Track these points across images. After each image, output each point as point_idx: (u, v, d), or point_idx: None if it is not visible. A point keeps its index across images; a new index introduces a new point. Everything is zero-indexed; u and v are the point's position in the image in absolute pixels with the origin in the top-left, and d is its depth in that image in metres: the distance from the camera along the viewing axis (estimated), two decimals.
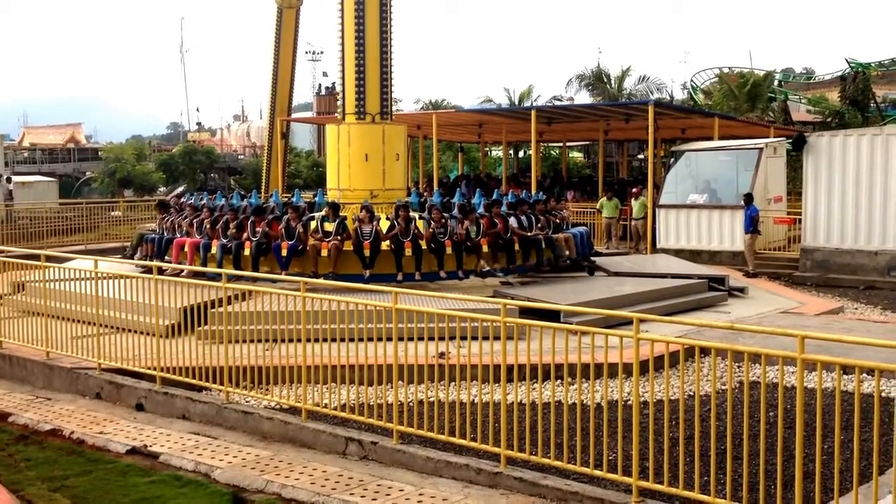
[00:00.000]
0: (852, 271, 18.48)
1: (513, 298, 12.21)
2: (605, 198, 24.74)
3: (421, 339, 7.58)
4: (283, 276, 13.12)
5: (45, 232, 25.57)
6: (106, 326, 10.54)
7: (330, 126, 17.09)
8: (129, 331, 10.57)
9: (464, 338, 7.48)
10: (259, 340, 9.50)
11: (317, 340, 8.48)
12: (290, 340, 8.69)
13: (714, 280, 15.55)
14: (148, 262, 14.73)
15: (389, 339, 7.65)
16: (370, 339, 7.94)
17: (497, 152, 45.10)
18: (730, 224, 20.67)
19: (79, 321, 11.02)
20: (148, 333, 10.32)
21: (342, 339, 8.42)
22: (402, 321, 7.65)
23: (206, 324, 10.28)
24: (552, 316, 10.63)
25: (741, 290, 15.86)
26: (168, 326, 9.84)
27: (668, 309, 13.04)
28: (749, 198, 19.46)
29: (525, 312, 10.49)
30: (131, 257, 16.93)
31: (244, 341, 9.22)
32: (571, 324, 8.24)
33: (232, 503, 6.86)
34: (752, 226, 19.12)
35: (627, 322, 6.52)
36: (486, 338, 7.18)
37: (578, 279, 15.59)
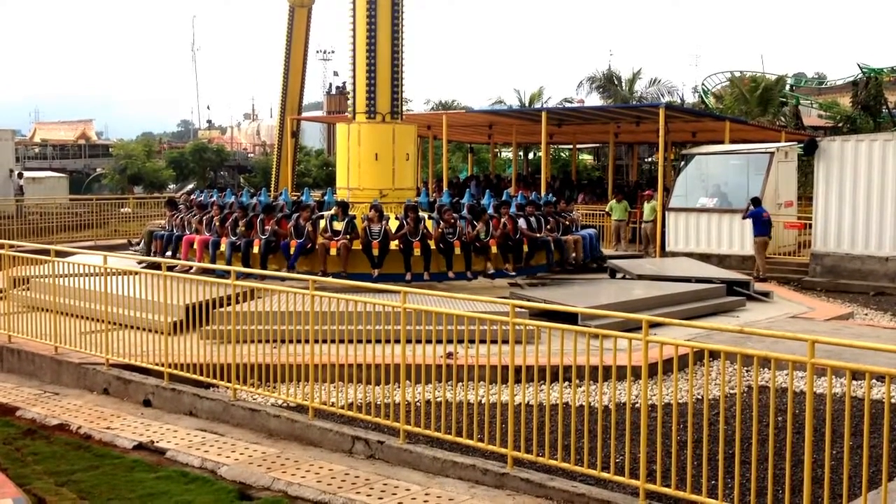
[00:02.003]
0: (862, 277, 18.41)
1: (529, 300, 12.16)
2: (614, 200, 24.71)
3: (429, 341, 7.57)
4: (291, 275, 13.13)
5: (54, 227, 25.67)
6: (110, 322, 10.54)
7: (340, 125, 17.10)
8: (132, 327, 10.56)
9: (471, 341, 7.46)
10: (266, 340, 9.49)
11: (325, 341, 8.48)
12: (298, 341, 8.69)
13: (738, 284, 15.34)
14: (154, 259, 14.78)
15: (397, 341, 7.64)
16: (378, 341, 7.94)
17: (507, 153, 45.07)
18: (739, 228, 20.62)
19: (82, 316, 11.03)
20: (151, 330, 10.32)
21: (350, 341, 8.42)
22: (410, 322, 7.64)
23: (210, 322, 10.26)
24: (567, 318, 10.58)
25: (766, 294, 15.59)
26: (171, 324, 9.81)
27: (686, 313, 12.88)
28: (755, 201, 19.40)
29: (536, 314, 10.47)
30: (147, 255, 16.95)
31: (251, 341, 9.21)
32: (589, 327, 8.21)
33: (238, 500, 6.86)
34: (759, 228, 19.04)
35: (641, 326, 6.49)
36: (493, 341, 7.16)
37: (589, 281, 15.54)
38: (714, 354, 9.00)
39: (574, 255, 16.15)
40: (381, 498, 6.67)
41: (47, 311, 11.16)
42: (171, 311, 9.81)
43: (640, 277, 15.61)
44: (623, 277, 15.93)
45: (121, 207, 31.28)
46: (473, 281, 14.60)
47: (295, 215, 14.75)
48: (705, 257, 20.30)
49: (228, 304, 9.85)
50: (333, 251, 14.08)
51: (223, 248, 14.76)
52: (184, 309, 9.98)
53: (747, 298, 14.92)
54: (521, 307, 7.70)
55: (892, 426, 5.40)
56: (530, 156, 43.90)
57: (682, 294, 14.08)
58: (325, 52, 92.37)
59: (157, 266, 11.47)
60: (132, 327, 10.53)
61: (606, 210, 24.68)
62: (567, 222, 16.68)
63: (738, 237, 20.79)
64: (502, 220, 15.15)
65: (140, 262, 13.86)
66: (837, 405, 8.34)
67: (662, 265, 17.81)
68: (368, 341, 8.12)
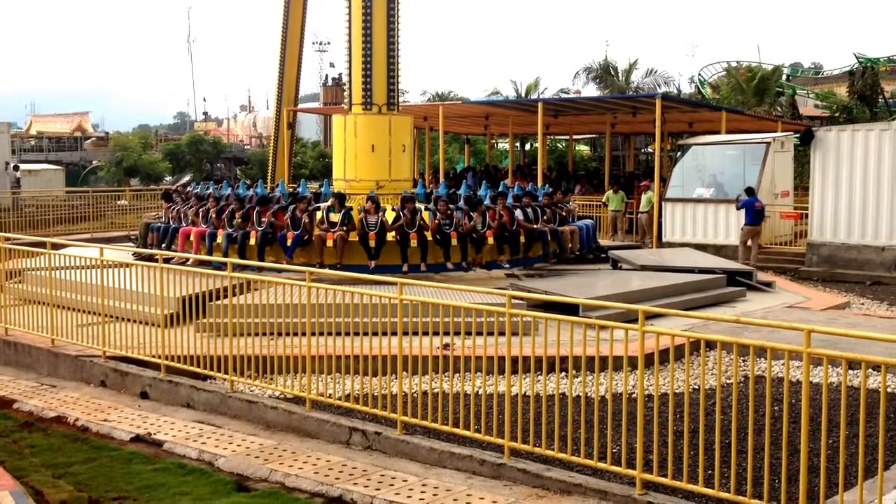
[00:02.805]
0: (859, 266, 18.43)
1: (528, 291, 12.15)
2: (611, 191, 24.71)
3: (426, 333, 7.57)
4: (288, 266, 13.12)
5: (51, 220, 25.63)
6: (106, 315, 10.53)
7: (336, 116, 17.08)
8: (128, 320, 10.54)
9: (468, 332, 7.46)
10: (263, 332, 9.49)
11: (321, 333, 8.48)
12: (295, 333, 8.68)
13: (740, 275, 15.30)
14: (147, 251, 14.75)
15: (394, 332, 7.64)
16: (375, 333, 7.93)
17: (504, 144, 45.03)
18: (736, 218, 20.61)
19: (77, 309, 11.01)
20: (147, 323, 10.30)
21: (347, 333, 8.42)
22: (406, 313, 7.64)
23: (205, 315, 10.23)
24: (565, 309, 10.54)
25: (768, 284, 15.54)
26: (166, 316, 9.79)
27: (686, 304, 12.83)
28: (748, 191, 19.40)
29: (534, 306, 10.46)
30: (143, 247, 16.92)
31: (248, 334, 9.20)
32: (588, 318, 8.20)
33: (235, 491, 6.87)
34: (750, 217, 19.04)
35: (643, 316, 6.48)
36: (490, 332, 7.17)
37: (586, 272, 15.53)
38: (710, 344, 9.00)
39: (570, 245, 16.16)
40: (378, 489, 6.68)
41: (43, 303, 11.14)
42: (166, 303, 9.80)
43: (643, 268, 15.61)
44: (620, 268, 15.94)
45: (117, 200, 31.26)
46: (470, 272, 14.61)
47: (291, 207, 14.74)
48: (701, 247, 20.29)
49: (225, 297, 9.84)
50: (330, 243, 14.08)
51: (220, 239, 14.75)
52: (179, 301, 9.97)
53: (748, 289, 14.92)
54: (517, 298, 7.71)
55: (887, 415, 5.42)
56: (527, 147, 43.86)
57: (681, 285, 14.04)
58: (321, 44, 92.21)
59: (146, 258, 11.46)
60: (128, 320, 10.51)
61: (603, 201, 24.68)
62: (564, 213, 16.69)
63: (734, 227, 20.77)
64: (499, 211, 15.16)
65: (134, 255, 13.85)
66: (833, 394, 8.38)
67: (663, 255, 17.80)
68: (365, 333, 8.12)
